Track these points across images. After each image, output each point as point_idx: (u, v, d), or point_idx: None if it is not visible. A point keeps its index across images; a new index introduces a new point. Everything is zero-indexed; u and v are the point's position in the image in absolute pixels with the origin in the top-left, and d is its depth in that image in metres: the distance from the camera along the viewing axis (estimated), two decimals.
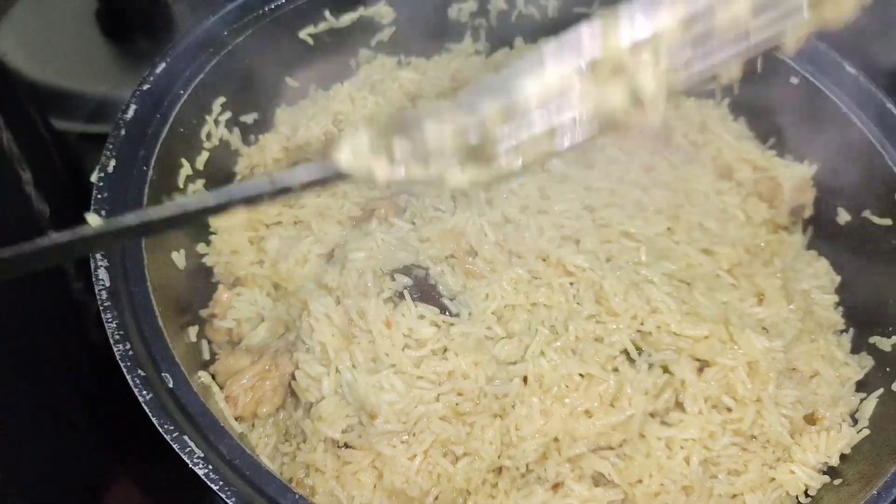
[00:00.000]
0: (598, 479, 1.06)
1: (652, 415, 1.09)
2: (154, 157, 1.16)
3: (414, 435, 0.99)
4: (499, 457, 1.04)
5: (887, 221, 1.29)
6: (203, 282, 1.27)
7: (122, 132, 1.16)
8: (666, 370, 1.10)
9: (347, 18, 1.51)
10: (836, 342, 1.26)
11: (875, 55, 1.39)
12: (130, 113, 1.18)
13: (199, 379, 1.04)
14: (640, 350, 1.11)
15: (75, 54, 1.97)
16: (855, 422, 1.15)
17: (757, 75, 1.45)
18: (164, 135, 1.20)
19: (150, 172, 1.14)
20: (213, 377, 1.14)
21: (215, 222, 1.32)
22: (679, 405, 1.11)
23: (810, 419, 1.13)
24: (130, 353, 0.90)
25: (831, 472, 1.09)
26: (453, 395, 1.01)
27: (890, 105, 1.32)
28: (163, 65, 1.25)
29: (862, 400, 1.17)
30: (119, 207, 1.07)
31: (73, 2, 2.06)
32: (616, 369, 1.08)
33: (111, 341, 0.90)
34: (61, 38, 2.00)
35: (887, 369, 1.16)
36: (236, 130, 1.39)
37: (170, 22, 2.08)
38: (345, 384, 1.02)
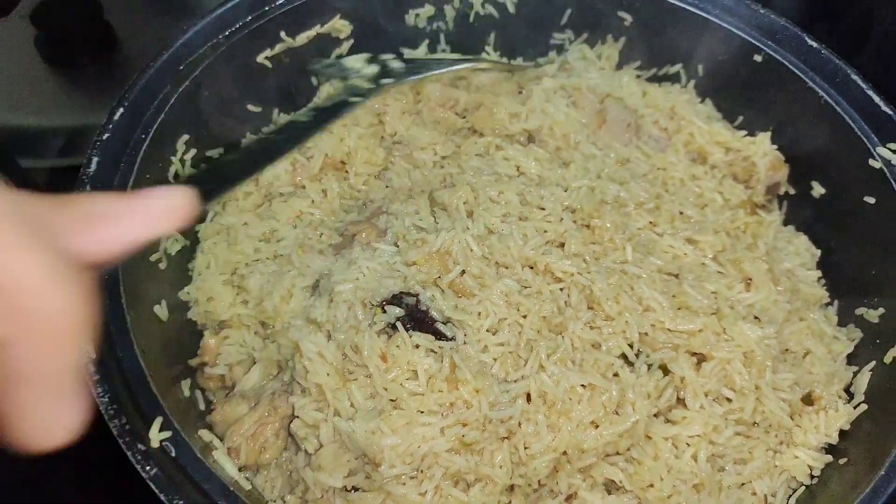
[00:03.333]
0: (611, 487, 1.07)
1: (656, 415, 1.10)
2: None
3: (422, 471, 0.99)
4: (510, 477, 1.04)
5: (861, 190, 1.30)
6: (189, 330, 1.24)
7: (87, 188, 1.11)
8: (665, 370, 1.11)
9: (304, 37, 1.47)
10: (824, 317, 1.28)
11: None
12: (93, 166, 1.14)
13: (201, 438, 1.02)
14: (637, 352, 1.11)
15: (19, 87, 1.90)
16: (851, 396, 1.17)
17: (721, 56, 1.48)
18: (130, 184, 1.16)
19: None
20: (212, 427, 1.12)
21: (194, 265, 1.29)
22: (681, 402, 1.12)
23: (808, 400, 1.15)
24: (127, 427, 0.87)
25: (833, 450, 1.12)
26: (458, 426, 1.00)
27: (855, 76, 1.33)
28: (120, 110, 1.21)
29: (855, 374, 1.19)
30: None
31: (10, 32, 1.98)
32: (616, 374, 1.08)
33: (106, 418, 0.87)
34: (1, 71, 1.92)
35: (877, 341, 1.19)
36: (203, 167, 1.36)
37: (113, 42, 2.01)
38: (343, 433, 1.00)
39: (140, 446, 0.86)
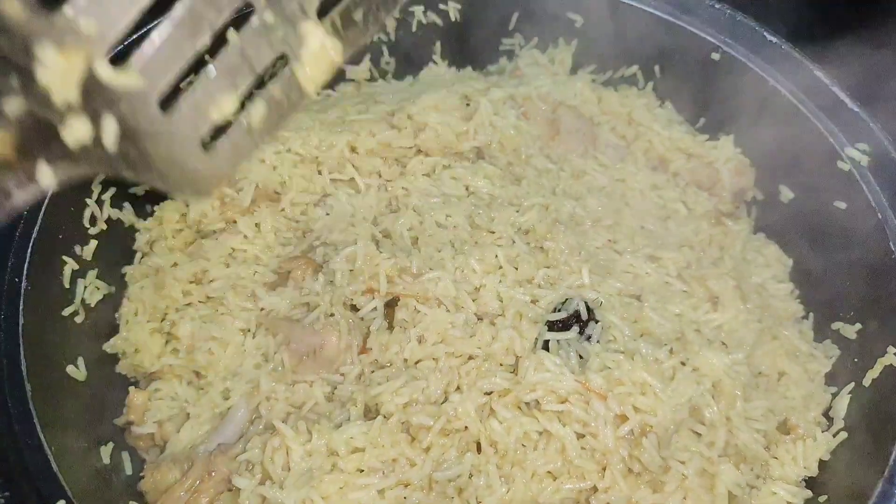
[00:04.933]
0: None
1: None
2: (26, 265, 1.03)
3: None
4: None
5: (830, 195, 1.22)
6: (119, 385, 1.14)
7: None
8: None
9: None
10: (798, 332, 1.19)
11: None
12: None
13: None
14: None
15: None
16: (829, 420, 1.09)
17: (677, 56, 1.39)
18: (34, 235, 1.06)
19: (24, 283, 1.01)
20: (142, 496, 1.03)
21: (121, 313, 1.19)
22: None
23: (784, 428, 1.06)
24: None
25: (811, 483, 1.03)
26: (399, 488, 0.91)
27: (818, 72, 1.25)
28: None
29: (833, 396, 1.10)
30: None
31: None
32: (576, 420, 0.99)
33: None
34: None
35: (855, 360, 1.10)
36: (127, 205, 1.25)
37: None
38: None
39: None
